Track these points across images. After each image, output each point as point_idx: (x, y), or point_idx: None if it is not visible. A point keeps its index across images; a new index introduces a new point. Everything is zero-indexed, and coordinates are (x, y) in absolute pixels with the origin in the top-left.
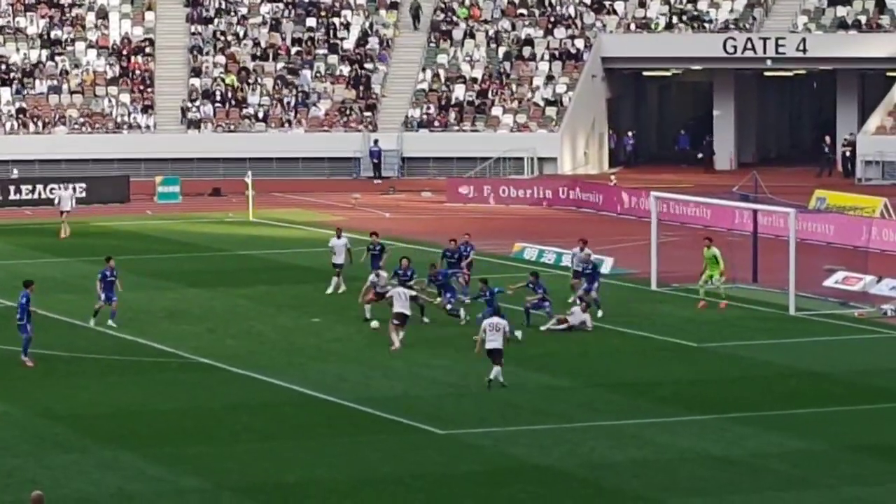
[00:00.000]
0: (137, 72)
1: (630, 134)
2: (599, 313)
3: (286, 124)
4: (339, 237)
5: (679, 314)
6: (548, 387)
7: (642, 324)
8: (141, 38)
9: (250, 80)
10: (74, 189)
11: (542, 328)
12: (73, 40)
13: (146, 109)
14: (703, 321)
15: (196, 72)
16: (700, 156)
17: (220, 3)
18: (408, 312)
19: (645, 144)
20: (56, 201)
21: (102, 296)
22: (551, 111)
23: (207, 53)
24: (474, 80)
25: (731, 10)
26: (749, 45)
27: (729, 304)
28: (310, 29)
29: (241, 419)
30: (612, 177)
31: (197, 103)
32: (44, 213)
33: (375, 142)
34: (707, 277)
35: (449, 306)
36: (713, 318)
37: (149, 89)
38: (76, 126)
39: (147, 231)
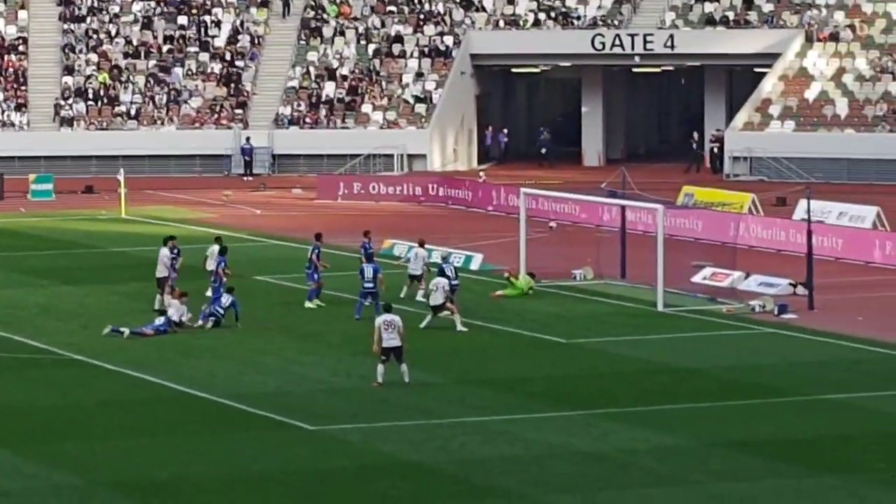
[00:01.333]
0: (11, 70)
1: (504, 131)
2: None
3: (158, 122)
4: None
5: (548, 310)
6: (418, 383)
7: (512, 320)
8: (14, 36)
9: (122, 78)
10: None
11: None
12: None
13: (20, 107)
14: (573, 317)
15: (69, 70)
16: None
17: (92, 2)
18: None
19: (514, 141)
20: None
21: None
22: (421, 108)
23: (80, 52)
24: (344, 77)
25: (600, 7)
26: (617, 42)
27: (598, 301)
28: (181, 27)
29: (115, 415)
30: (482, 173)
31: (70, 101)
32: None
33: (247, 139)
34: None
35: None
36: (582, 313)
37: (22, 87)
38: None
39: (20, 228)
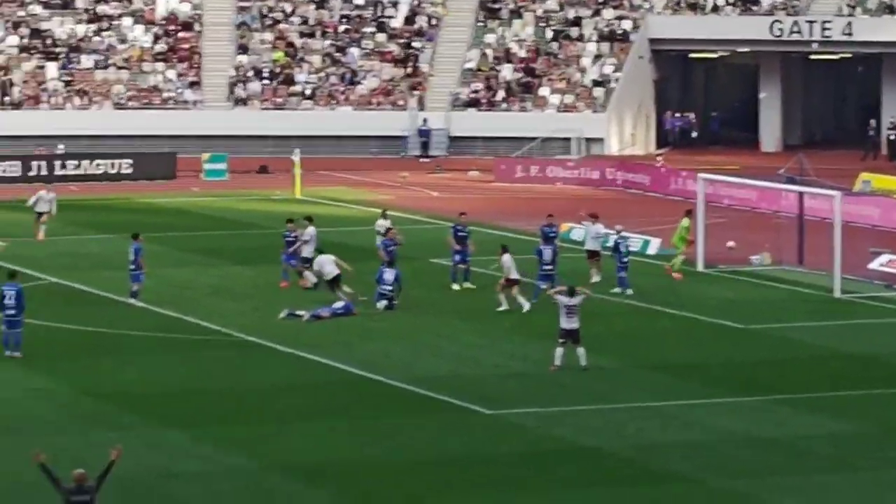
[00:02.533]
0: (185, 48)
1: (690, 116)
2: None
3: (333, 102)
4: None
5: (725, 296)
6: (595, 367)
7: (688, 305)
8: (188, 13)
9: (298, 58)
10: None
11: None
12: (119, 15)
13: (193, 86)
14: (749, 302)
15: (244, 48)
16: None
17: None
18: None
19: (699, 126)
20: (32, 202)
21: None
22: (598, 92)
23: (255, 30)
24: (522, 59)
25: None
26: (795, 28)
27: (775, 287)
28: (358, 6)
29: (288, 398)
30: (659, 158)
31: (244, 80)
32: (90, 188)
33: (424, 120)
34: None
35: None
36: (759, 299)
37: (196, 66)
38: (122, 101)
39: (193, 208)
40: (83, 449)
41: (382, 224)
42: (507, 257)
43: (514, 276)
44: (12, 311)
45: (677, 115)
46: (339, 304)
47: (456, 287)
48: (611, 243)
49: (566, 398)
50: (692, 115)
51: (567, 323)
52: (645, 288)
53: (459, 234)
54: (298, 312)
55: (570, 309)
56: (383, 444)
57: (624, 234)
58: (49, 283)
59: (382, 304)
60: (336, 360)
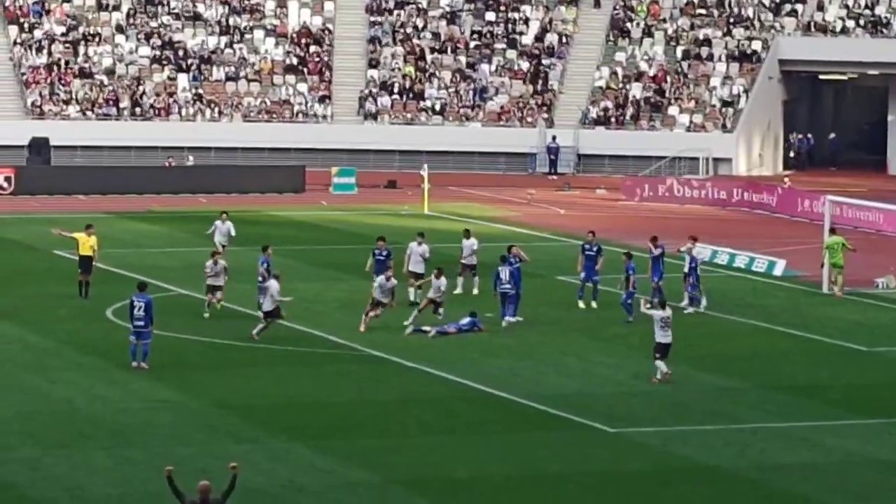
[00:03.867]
0: (316, 61)
1: (808, 137)
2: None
3: (463, 118)
4: (467, 237)
5: (849, 317)
6: (718, 387)
7: (812, 326)
8: (320, 27)
9: (428, 73)
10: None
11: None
12: (251, 28)
13: (323, 100)
14: (874, 325)
15: (374, 63)
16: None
17: None
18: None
19: (820, 147)
20: (211, 231)
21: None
22: (727, 112)
23: (386, 45)
24: (651, 78)
25: None
26: None
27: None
28: (489, 23)
29: (412, 413)
30: (787, 179)
31: (375, 94)
32: (217, 200)
33: (553, 138)
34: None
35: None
36: (884, 322)
37: (326, 79)
38: (252, 114)
39: (321, 221)
40: (207, 460)
41: (468, 245)
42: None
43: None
44: (141, 323)
45: (800, 136)
46: (465, 321)
47: (582, 305)
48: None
49: (690, 417)
50: (810, 137)
51: (662, 337)
52: (771, 309)
53: (588, 252)
54: (425, 328)
55: (665, 322)
56: (506, 459)
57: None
58: (177, 295)
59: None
60: (461, 376)
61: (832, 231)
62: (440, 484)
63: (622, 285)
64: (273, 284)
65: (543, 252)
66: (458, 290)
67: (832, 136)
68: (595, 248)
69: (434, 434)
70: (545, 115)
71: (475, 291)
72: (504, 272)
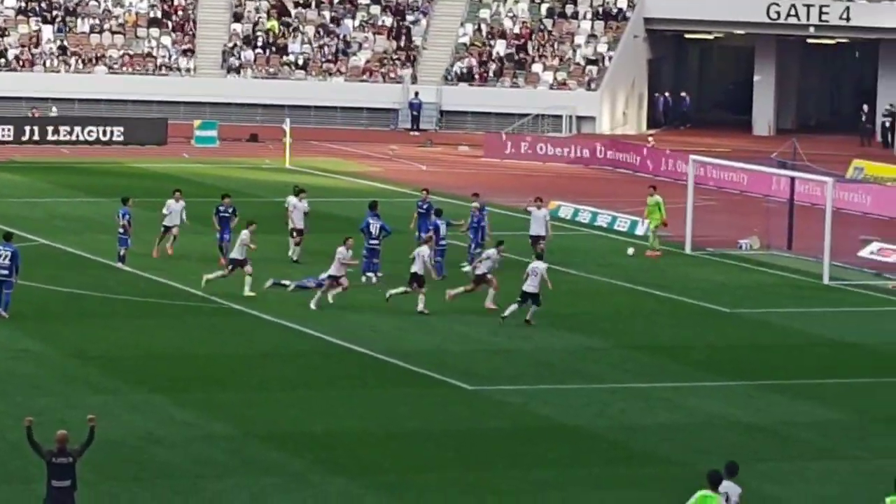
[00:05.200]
0: (179, 14)
1: (683, 95)
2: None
3: (326, 73)
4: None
5: (713, 279)
6: (580, 346)
7: (675, 287)
8: None
9: (292, 28)
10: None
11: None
12: None
13: (187, 53)
14: (737, 286)
15: (237, 17)
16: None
17: None
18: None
19: (680, 107)
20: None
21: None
22: (592, 70)
23: None
24: (516, 35)
25: None
26: (792, 12)
27: (763, 271)
28: None
29: (273, 367)
30: (651, 138)
31: (238, 48)
32: (81, 151)
33: (415, 94)
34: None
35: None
36: (747, 283)
37: (190, 33)
38: (116, 66)
39: (183, 174)
40: (67, 411)
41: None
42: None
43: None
44: (6, 272)
45: (658, 95)
46: (324, 275)
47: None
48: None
49: (552, 377)
50: (668, 95)
51: (528, 287)
52: (632, 269)
53: (420, 210)
54: (284, 282)
55: (533, 272)
56: (365, 415)
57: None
58: (39, 245)
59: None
60: (320, 331)
61: (653, 189)
62: (298, 438)
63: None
64: (244, 234)
65: (405, 208)
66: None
67: (684, 95)
68: (426, 206)
69: (293, 388)
70: (408, 71)
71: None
72: (375, 226)
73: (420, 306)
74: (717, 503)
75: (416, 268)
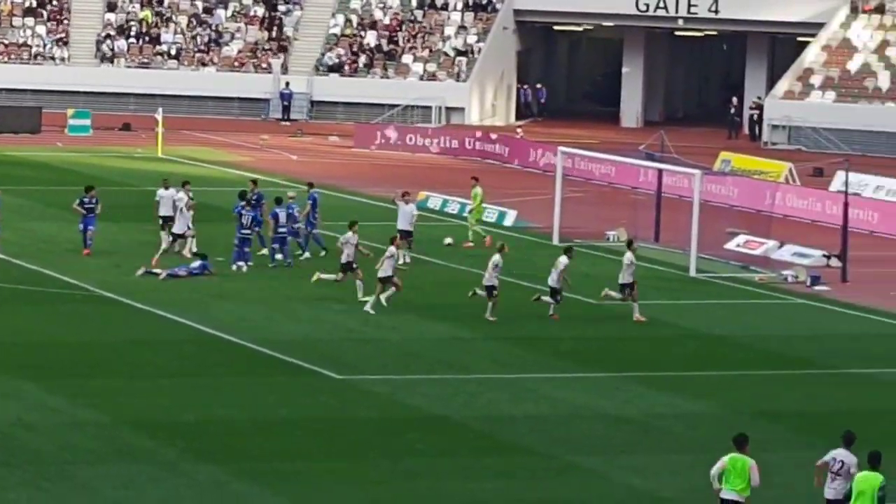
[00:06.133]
0: (54, 4)
1: (538, 86)
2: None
3: (198, 63)
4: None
5: (580, 270)
6: (448, 337)
7: (543, 278)
8: None
9: (165, 17)
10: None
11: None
12: None
13: (61, 42)
14: (605, 278)
15: (111, 7)
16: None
17: None
18: None
19: (553, 99)
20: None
21: None
22: (461, 61)
23: None
24: (386, 26)
25: None
26: (661, 4)
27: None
28: None
29: (143, 355)
30: (519, 129)
31: (111, 38)
32: None
33: (286, 84)
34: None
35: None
36: (614, 275)
37: (64, 22)
38: None
39: (56, 162)
40: None
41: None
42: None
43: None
44: None
45: (523, 87)
46: (196, 264)
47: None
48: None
49: (419, 367)
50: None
51: (383, 271)
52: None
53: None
54: (155, 270)
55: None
56: (234, 403)
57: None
58: None
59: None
60: (191, 320)
61: (475, 180)
62: (169, 426)
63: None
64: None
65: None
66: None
67: (539, 86)
68: (256, 197)
69: (164, 376)
70: (279, 62)
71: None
72: (247, 217)
73: (360, 295)
74: (747, 466)
75: (344, 258)
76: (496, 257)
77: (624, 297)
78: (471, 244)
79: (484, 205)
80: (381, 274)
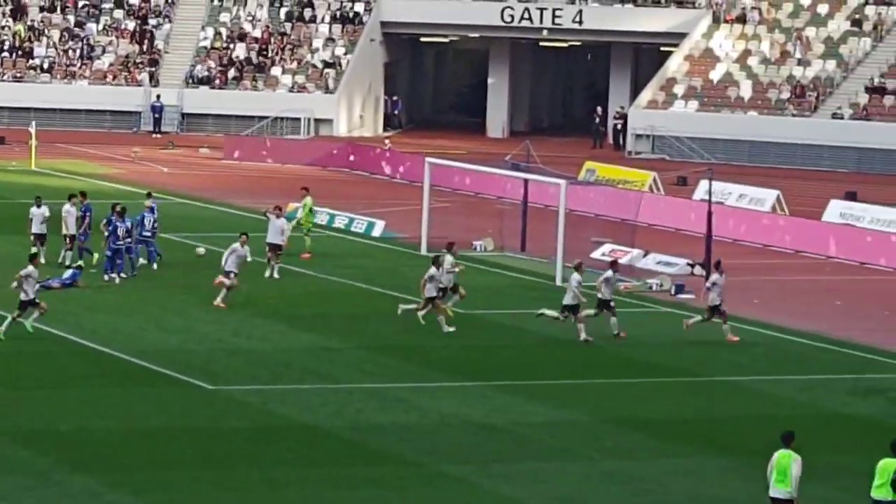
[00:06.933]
0: None
1: (394, 98)
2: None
3: (71, 76)
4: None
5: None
6: (318, 347)
7: (411, 288)
8: None
9: (37, 31)
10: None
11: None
12: None
13: None
14: (471, 288)
15: None
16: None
17: None
18: None
19: (420, 110)
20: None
21: None
22: (329, 73)
23: None
24: (255, 39)
25: None
26: (526, 15)
27: (497, 273)
28: None
29: (16, 366)
30: (387, 140)
31: None
32: None
33: (157, 97)
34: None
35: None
36: (481, 285)
37: None
38: None
39: None
40: None
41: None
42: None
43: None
44: None
45: (387, 98)
46: (67, 275)
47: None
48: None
49: (289, 376)
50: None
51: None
52: (370, 269)
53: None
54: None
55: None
56: (109, 414)
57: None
58: None
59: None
60: (64, 331)
61: (305, 190)
62: (44, 436)
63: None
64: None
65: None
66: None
67: (396, 98)
68: (84, 209)
69: (38, 388)
70: (150, 75)
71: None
72: (122, 228)
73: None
74: (790, 461)
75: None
76: (433, 270)
77: (564, 318)
78: (308, 255)
79: (317, 209)
80: (426, 294)
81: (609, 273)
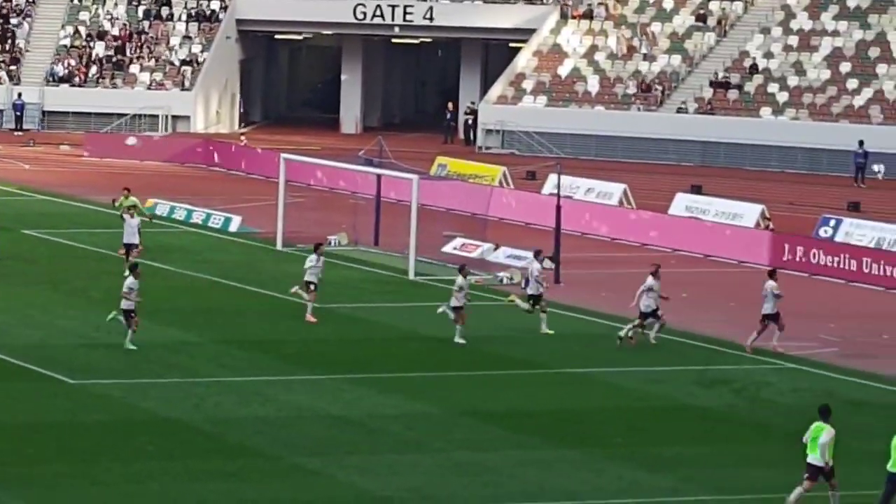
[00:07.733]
0: None
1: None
2: None
3: None
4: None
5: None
6: (177, 341)
7: (267, 282)
8: None
9: None
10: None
11: None
12: None
13: None
14: (326, 282)
15: None
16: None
17: None
18: None
19: (275, 106)
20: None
21: None
22: (186, 70)
23: None
24: (114, 37)
25: None
26: (378, 12)
27: (351, 267)
28: None
29: None
30: (243, 137)
31: None
32: None
33: (19, 95)
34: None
35: None
36: (335, 279)
37: None
38: None
39: None
40: None
41: None
42: None
43: None
44: None
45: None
46: None
47: None
48: None
49: (151, 371)
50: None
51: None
52: (227, 264)
53: None
54: None
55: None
56: None
57: None
58: None
59: None
60: None
61: (127, 191)
62: None
63: None
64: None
65: (9, 206)
66: None
67: (239, 98)
68: None
69: None
70: (10, 73)
71: None
72: None
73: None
74: (822, 432)
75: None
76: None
77: (531, 309)
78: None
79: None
80: (453, 303)
81: (651, 281)
